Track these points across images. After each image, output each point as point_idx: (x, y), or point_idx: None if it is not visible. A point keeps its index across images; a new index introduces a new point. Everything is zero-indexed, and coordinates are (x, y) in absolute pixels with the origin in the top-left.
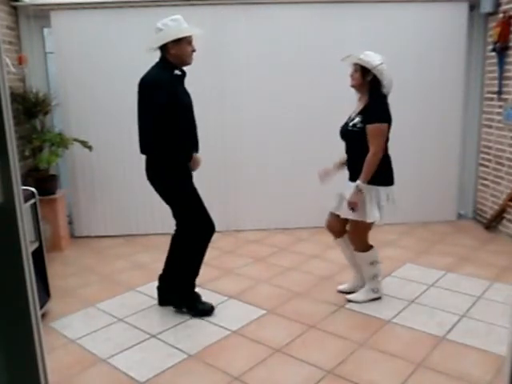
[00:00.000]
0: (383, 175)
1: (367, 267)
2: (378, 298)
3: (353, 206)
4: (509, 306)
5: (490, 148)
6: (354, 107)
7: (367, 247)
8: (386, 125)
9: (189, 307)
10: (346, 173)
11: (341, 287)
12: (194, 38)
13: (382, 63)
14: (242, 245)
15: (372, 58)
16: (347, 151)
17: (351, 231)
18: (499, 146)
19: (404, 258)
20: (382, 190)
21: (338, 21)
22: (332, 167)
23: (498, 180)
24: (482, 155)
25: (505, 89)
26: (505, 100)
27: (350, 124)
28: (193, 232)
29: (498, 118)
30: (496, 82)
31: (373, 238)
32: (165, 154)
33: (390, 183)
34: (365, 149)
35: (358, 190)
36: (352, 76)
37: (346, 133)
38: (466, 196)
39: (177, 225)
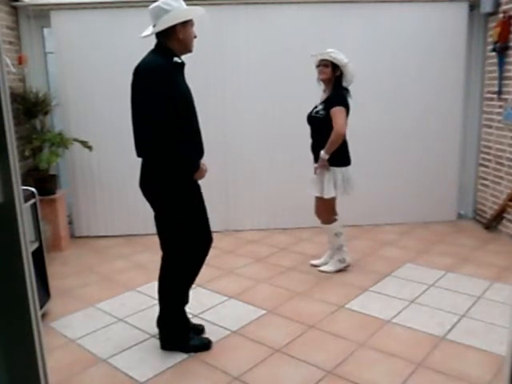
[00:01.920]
0: (339, 158)
1: (333, 238)
2: (348, 266)
3: (322, 168)
4: (509, 305)
5: (490, 148)
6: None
7: (331, 220)
8: (344, 108)
9: (178, 343)
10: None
11: (313, 261)
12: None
13: (349, 61)
14: (242, 245)
15: (341, 56)
16: (312, 135)
17: (317, 206)
18: (499, 146)
19: (404, 258)
20: (338, 171)
21: (338, 21)
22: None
23: (498, 180)
24: (482, 155)
25: (505, 89)
26: (505, 100)
27: (314, 111)
28: (182, 255)
29: (498, 118)
30: (496, 81)
31: (373, 237)
32: (166, 157)
33: (345, 164)
34: (326, 134)
35: (323, 159)
36: (321, 70)
37: (311, 119)
38: (466, 196)
39: (162, 250)
